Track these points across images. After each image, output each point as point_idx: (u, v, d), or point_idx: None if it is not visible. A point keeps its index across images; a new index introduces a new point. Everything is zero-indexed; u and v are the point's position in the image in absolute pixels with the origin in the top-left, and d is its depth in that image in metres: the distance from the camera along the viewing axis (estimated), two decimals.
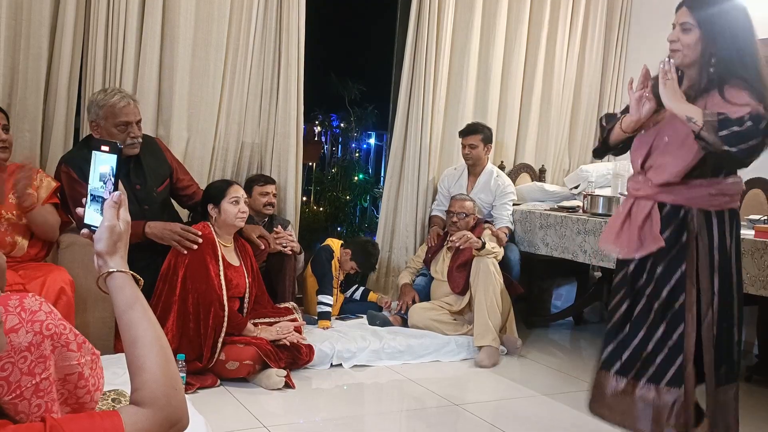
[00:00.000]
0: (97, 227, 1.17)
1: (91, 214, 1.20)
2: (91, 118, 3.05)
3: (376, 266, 4.25)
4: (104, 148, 1.20)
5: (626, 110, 2.29)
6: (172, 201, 3.45)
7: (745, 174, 4.39)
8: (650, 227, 2.18)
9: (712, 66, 2.12)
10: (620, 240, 2.25)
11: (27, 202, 2.78)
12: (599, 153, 2.47)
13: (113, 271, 1.14)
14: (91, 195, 1.20)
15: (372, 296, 4.17)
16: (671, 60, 2.11)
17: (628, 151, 2.35)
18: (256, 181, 3.87)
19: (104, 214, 1.17)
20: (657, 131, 2.22)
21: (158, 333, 1.14)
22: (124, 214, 1.18)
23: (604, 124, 2.40)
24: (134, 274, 1.17)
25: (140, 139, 3.08)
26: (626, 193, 2.34)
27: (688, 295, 2.14)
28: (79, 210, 1.22)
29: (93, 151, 1.21)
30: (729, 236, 2.17)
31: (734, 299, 2.17)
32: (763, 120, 2.03)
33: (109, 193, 1.18)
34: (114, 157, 1.19)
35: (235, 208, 3.12)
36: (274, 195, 3.88)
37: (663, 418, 2.16)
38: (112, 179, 1.18)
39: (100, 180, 1.19)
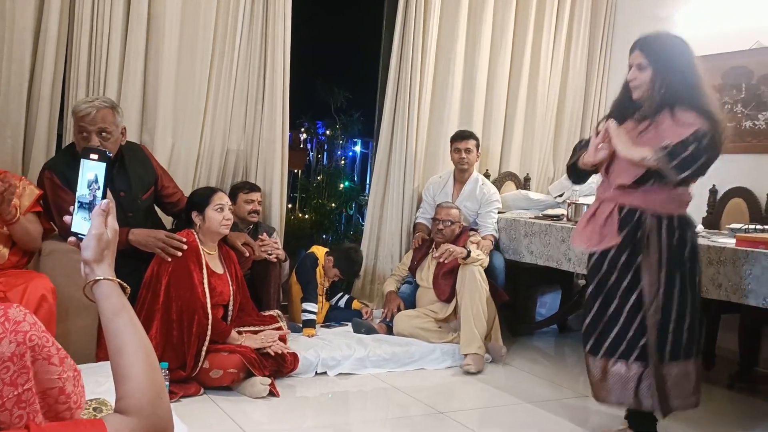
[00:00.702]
0: (84, 235, 1.17)
1: (79, 222, 1.20)
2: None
3: (360, 273, 4.24)
4: (93, 156, 1.20)
5: (584, 144, 2.74)
6: (156, 208, 3.42)
7: (727, 184, 4.47)
8: (611, 226, 2.58)
9: (661, 94, 2.53)
10: (584, 236, 2.65)
11: (9, 215, 2.75)
12: (574, 180, 2.93)
13: (100, 279, 1.14)
14: (79, 203, 1.20)
15: (356, 304, 4.17)
16: (614, 121, 2.56)
17: None
18: (241, 189, 3.85)
19: (92, 221, 1.16)
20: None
21: (144, 341, 1.13)
22: (112, 222, 1.18)
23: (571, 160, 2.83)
24: (121, 282, 1.17)
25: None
26: (597, 195, 2.74)
27: (646, 285, 2.53)
28: (67, 218, 1.21)
29: (82, 159, 1.20)
30: (678, 237, 2.54)
31: (678, 290, 2.54)
32: (706, 136, 2.40)
33: (96, 200, 1.17)
34: (103, 165, 1.19)
35: (219, 215, 3.11)
36: (260, 202, 3.87)
37: (631, 388, 2.55)
38: (101, 187, 1.18)
39: (88, 188, 1.19)
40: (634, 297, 2.54)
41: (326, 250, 4.09)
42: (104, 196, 1.18)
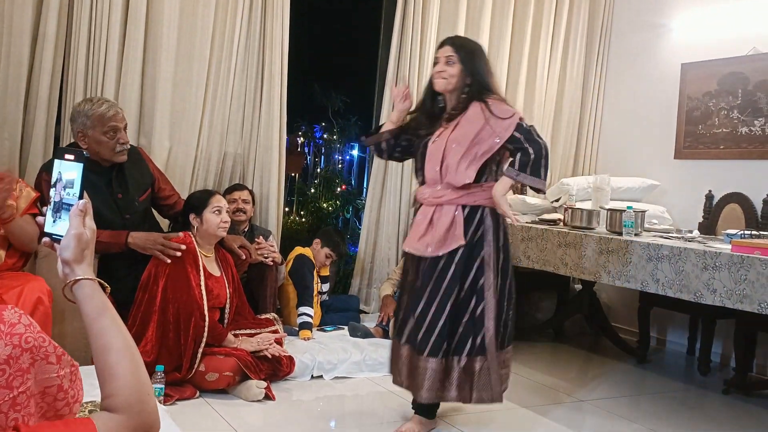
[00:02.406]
0: (60, 236, 1.16)
1: (54, 223, 1.18)
2: (78, 128, 2.99)
3: (344, 245, 4.28)
4: (68, 156, 1.18)
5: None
6: (153, 210, 3.43)
7: (723, 189, 4.47)
8: (455, 229, 2.63)
9: (466, 89, 2.69)
10: (424, 241, 2.67)
11: (6, 213, 2.75)
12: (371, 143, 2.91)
13: (81, 279, 1.13)
14: (54, 203, 1.18)
15: (324, 271, 4.14)
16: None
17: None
18: (228, 190, 3.86)
19: (71, 222, 1.15)
20: (446, 140, 2.66)
21: (128, 340, 1.14)
22: (90, 222, 1.17)
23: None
24: (101, 281, 1.16)
25: (128, 146, 3.08)
26: (425, 200, 2.74)
27: (487, 279, 2.64)
28: (40, 219, 1.20)
29: (56, 160, 1.19)
30: (503, 229, 2.72)
31: (509, 281, 2.75)
32: (528, 127, 2.62)
33: (73, 201, 1.16)
34: (80, 166, 1.17)
35: (217, 218, 3.11)
36: (245, 201, 3.85)
37: (445, 382, 2.65)
38: (78, 188, 1.17)
39: (64, 189, 1.17)
40: (476, 290, 2.65)
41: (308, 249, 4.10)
42: (81, 197, 1.17)
